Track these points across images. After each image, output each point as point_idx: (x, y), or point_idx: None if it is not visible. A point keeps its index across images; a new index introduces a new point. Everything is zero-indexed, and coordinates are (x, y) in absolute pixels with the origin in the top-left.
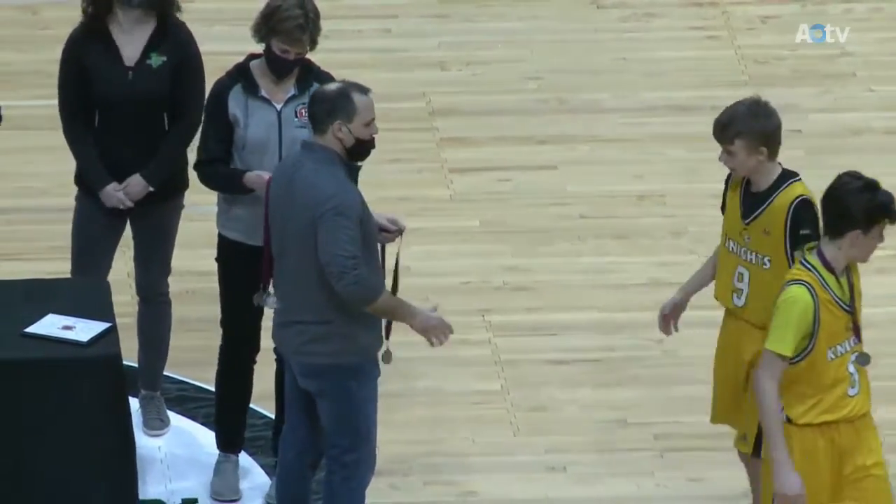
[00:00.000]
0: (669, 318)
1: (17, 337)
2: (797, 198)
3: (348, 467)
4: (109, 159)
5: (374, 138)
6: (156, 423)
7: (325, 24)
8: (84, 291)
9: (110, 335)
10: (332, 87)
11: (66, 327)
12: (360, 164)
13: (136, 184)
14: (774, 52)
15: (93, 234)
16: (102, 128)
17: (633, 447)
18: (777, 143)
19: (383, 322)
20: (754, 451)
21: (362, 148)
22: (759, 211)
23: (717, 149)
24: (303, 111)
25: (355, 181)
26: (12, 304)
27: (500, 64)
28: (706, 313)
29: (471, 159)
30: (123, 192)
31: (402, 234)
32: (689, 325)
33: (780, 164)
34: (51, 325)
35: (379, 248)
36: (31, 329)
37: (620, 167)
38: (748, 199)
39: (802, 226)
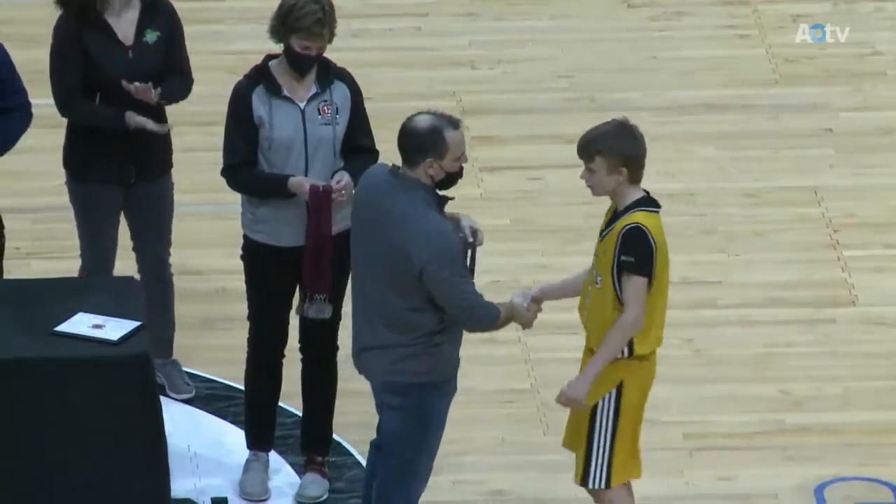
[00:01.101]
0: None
1: (48, 336)
2: (630, 223)
3: (405, 477)
4: (113, 139)
5: (462, 168)
6: (182, 387)
7: (355, 23)
8: (114, 289)
9: (140, 334)
10: (423, 122)
11: (97, 326)
12: (451, 196)
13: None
14: (805, 51)
15: (98, 214)
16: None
17: (662, 446)
18: (639, 168)
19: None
20: (583, 481)
21: (451, 180)
22: (607, 231)
23: (747, 147)
24: (325, 108)
25: (442, 207)
26: (42, 303)
27: (531, 63)
28: (737, 311)
29: (501, 158)
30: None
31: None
32: (720, 323)
33: (644, 191)
34: (81, 323)
35: None
36: (61, 328)
37: (650, 166)
38: (611, 218)
39: (626, 252)
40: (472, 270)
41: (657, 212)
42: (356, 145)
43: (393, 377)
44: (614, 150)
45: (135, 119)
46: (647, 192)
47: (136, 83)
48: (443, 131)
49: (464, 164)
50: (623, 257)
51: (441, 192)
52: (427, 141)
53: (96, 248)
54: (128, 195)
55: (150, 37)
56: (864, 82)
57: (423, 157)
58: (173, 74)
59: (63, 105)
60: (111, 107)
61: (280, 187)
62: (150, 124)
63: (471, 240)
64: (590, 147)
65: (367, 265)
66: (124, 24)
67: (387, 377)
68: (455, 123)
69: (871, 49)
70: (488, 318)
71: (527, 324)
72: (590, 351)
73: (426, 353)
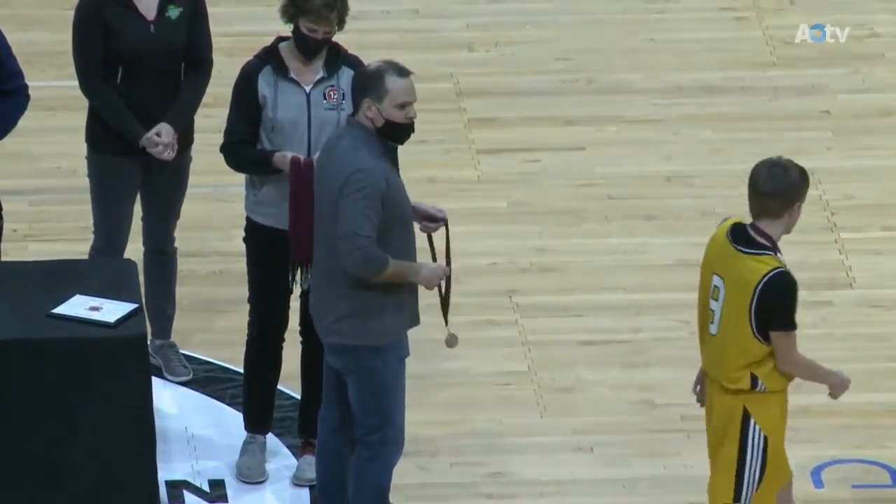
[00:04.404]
0: None
1: (45, 317)
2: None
3: (373, 447)
4: (134, 113)
5: (411, 122)
6: (180, 370)
7: (353, 5)
8: (111, 272)
9: (137, 316)
10: (371, 65)
11: (94, 308)
12: (394, 144)
13: (167, 133)
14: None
15: (116, 187)
16: (126, 83)
17: (660, 428)
18: None
19: (442, 308)
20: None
21: (394, 130)
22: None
23: (744, 129)
24: (331, 93)
25: (394, 161)
26: (39, 285)
27: (528, 44)
28: None
29: (499, 140)
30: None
31: (445, 223)
32: None
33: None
34: (78, 305)
35: (426, 236)
36: (59, 310)
37: (648, 148)
38: None
39: None
40: (448, 251)
41: None
42: None
43: (330, 337)
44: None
45: (150, 143)
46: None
47: (155, 148)
48: (384, 74)
49: (412, 117)
50: None
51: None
52: (368, 83)
53: (111, 224)
54: (146, 169)
55: (173, 12)
56: (863, 64)
57: (362, 96)
58: (193, 58)
59: (83, 83)
60: (133, 85)
61: (267, 163)
62: (163, 154)
63: (440, 215)
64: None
65: (320, 219)
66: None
67: (326, 336)
68: (402, 72)
69: (869, 31)
70: (371, 257)
71: (428, 284)
72: None
73: (363, 314)
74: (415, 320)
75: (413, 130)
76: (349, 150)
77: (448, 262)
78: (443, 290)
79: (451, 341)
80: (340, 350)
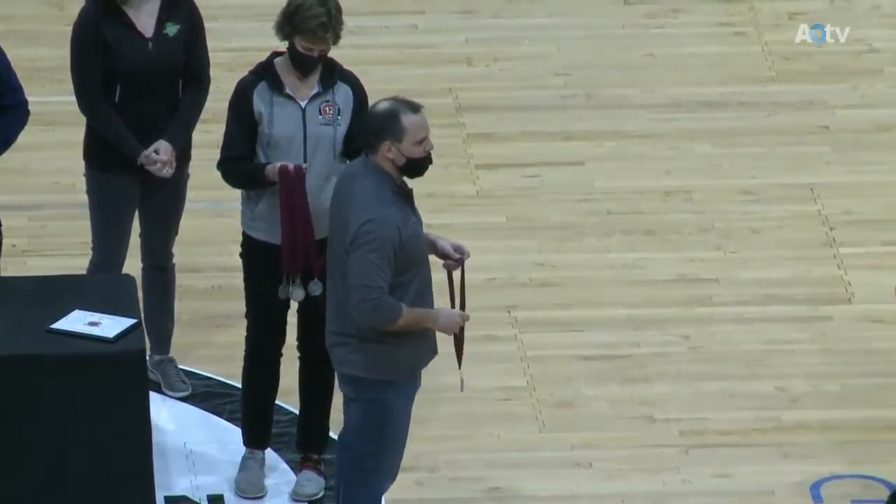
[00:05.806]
0: None
1: (44, 333)
2: None
3: (367, 471)
4: (132, 129)
5: (429, 154)
6: (179, 385)
7: (351, 20)
8: (110, 287)
9: (136, 331)
10: (381, 106)
11: (92, 323)
12: (410, 187)
13: (166, 150)
14: (802, 48)
15: (115, 203)
16: (124, 100)
17: (659, 443)
18: None
19: (455, 351)
20: None
21: (415, 166)
22: None
23: (743, 144)
24: (327, 108)
25: (409, 198)
26: (39, 301)
27: (527, 60)
28: (734, 309)
29: (497, 155)
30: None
31: (463, 261)
32: (717, 320)
33: None
34: (77, 320)
35: (447, 273)
36: (58, 325)
37: (647, 163)
38: None
39: None
40: (462, 288)
41: None
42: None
43: (343, 368)
44: None
45: (148, 160)
46: None
47: (153, 165)
48: (399, 114)
49: (430, 150)
50: None
51: (403, 183)
52: (384, 124)
53: (109, 241)
54: (144, 185)
55: (171, 29)
56: (861, 79)
57: (380, 139)
58: (191, 74)
59: (81, 100)
60: (131, 102)
61: (261, 177)
62: (162, 171)
63: (457, 256)
64: None
65: (332, 254)
66: (144, 17)
67: (339, 367)
68: (414, 108)
69: (867, 46)
70: (381, 308)
71: (447, 331)
72: None
73: (375, 348)
74: (433, 352)
75: (431, 162)
76: (362, 196)
77: (462, 305)
78: (457, 334)
79: (461, 387)
80: (353, 381)
